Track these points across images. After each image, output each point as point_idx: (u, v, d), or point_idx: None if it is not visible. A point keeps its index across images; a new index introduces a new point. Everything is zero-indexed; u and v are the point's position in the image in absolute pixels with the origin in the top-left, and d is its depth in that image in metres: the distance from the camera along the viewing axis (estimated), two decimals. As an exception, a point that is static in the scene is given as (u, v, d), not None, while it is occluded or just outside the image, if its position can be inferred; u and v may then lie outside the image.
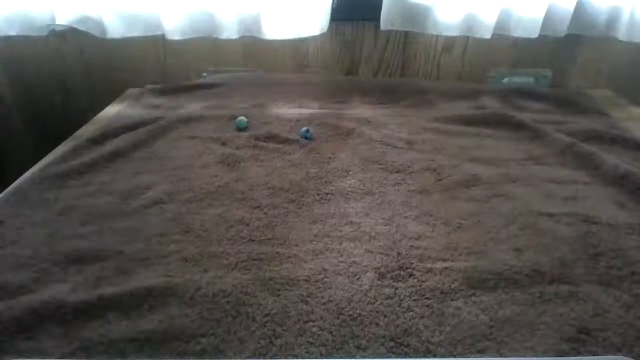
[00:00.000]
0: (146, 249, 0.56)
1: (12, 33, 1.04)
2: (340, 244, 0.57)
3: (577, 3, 1.02)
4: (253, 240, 0.58)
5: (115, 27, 1.04)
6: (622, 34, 1.03)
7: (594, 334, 0.43)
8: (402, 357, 0.41)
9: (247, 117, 0.92)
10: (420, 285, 0.49)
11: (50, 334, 0.44)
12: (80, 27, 1.04)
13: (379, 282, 0.50)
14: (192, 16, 1.04)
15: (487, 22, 1.02)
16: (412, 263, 0.53)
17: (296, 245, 0.57)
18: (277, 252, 0.55)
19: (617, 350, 0.42)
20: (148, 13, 1.04)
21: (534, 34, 1.03)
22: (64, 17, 1.02)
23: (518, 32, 1.05)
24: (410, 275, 0.51)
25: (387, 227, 0.60)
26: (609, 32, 1.05)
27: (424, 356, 0.41)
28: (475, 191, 0.68)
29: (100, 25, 1.03)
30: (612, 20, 1.04)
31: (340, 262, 0.53)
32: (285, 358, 0.41)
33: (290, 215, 0.63)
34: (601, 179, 0.70)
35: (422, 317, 0.46)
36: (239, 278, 0.51)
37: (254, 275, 0.51)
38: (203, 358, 0.42)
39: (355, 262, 0.53)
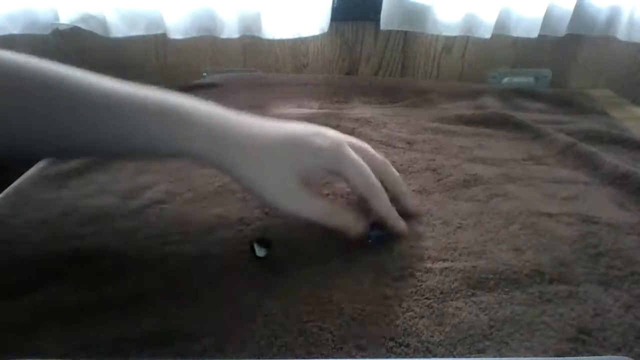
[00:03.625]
0: (146, 249, 0.56)
1: (16, 32, 1.03)
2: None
3: (577, 3, 1.02)
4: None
5: (118, 26, 1.04)
6: (621, 33, 1.03)
7: (594, 334, 0.43)
8: (402, 357, 0.41)
9: (247, 117, 0.92)
10: (420, 286, 0.49)
11: (50, 334, 0.44)
12: (84, 26, 1.04)
13: (379, 282, 0.50)
14: (193, 14, 1.04)
15: (487, 22, 1.02)
16: (412, 263, 0.53)
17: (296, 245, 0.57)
18: (277, 252, 0.55)
19: (617, 350, 0.42)
20: (150, 11, 1.04)
21: (534, 34, 1.03)
22: (67, 16, 1.02)
23: (518, 32, 1.05)
24: (410, 275, 0.51)
25: (387, 227, 0.60)
26: (608, 32, 1.05)
27: (424, 356, 0.41)
28: (475, 191, 0.68)
29: (103, 24, 1.03)
30: (612, 20, 1.04)
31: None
32: (285, 358, 0.41)
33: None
34: (601, 179, 0.70)
35: (422, 317, 0.46)
36: (239, 278, 0.51)
37: (254, 275, 0.51)
38: (203, 358, 0.41)
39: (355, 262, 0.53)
